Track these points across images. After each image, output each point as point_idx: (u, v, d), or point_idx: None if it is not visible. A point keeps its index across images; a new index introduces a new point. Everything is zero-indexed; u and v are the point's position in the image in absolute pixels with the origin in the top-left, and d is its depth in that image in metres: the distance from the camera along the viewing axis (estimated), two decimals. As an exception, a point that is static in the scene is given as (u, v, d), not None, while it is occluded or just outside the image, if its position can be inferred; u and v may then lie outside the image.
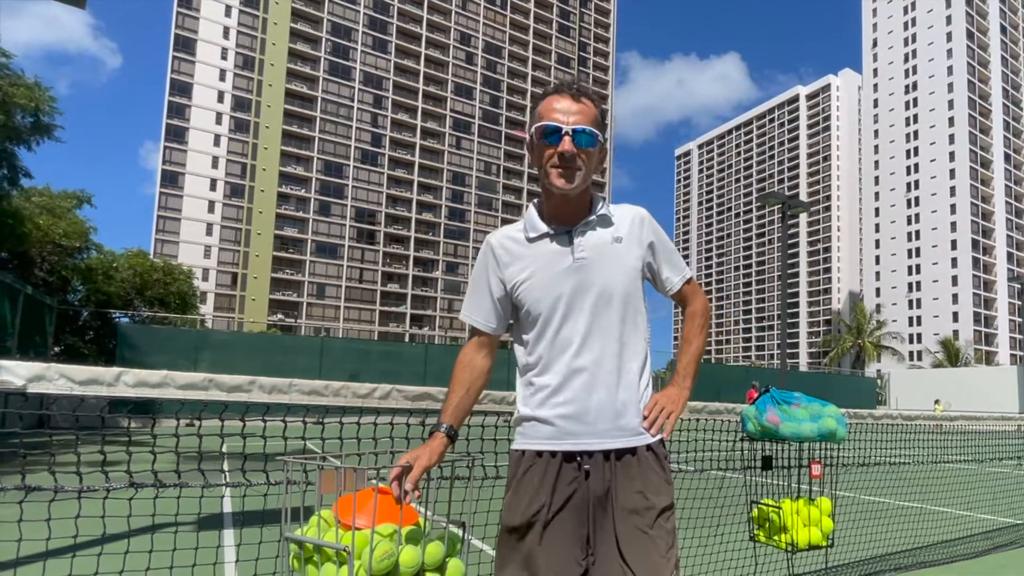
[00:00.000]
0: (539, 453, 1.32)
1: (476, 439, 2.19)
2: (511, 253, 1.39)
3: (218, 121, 66.07)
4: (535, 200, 1.44)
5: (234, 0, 67.10)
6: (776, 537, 2.42)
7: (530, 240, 1.37)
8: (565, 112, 1.31)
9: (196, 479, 1.75)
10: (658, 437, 1.34)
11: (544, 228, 1.36)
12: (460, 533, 1.40)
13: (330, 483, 1.30)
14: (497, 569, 1.33)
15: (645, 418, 1.33)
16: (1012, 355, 77.51)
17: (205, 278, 61.42)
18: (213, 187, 65.73)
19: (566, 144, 1.29)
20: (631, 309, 1.34)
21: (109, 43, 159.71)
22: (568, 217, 1.36)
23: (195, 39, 65.14)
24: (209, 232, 65.43)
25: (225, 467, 1.83)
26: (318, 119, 70.49)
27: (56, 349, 14.43)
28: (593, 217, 1.36)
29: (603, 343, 1.31)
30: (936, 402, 22.96)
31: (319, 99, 70.67)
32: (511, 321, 1.45)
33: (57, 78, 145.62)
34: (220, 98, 66.18)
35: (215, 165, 65.84)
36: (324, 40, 71.28)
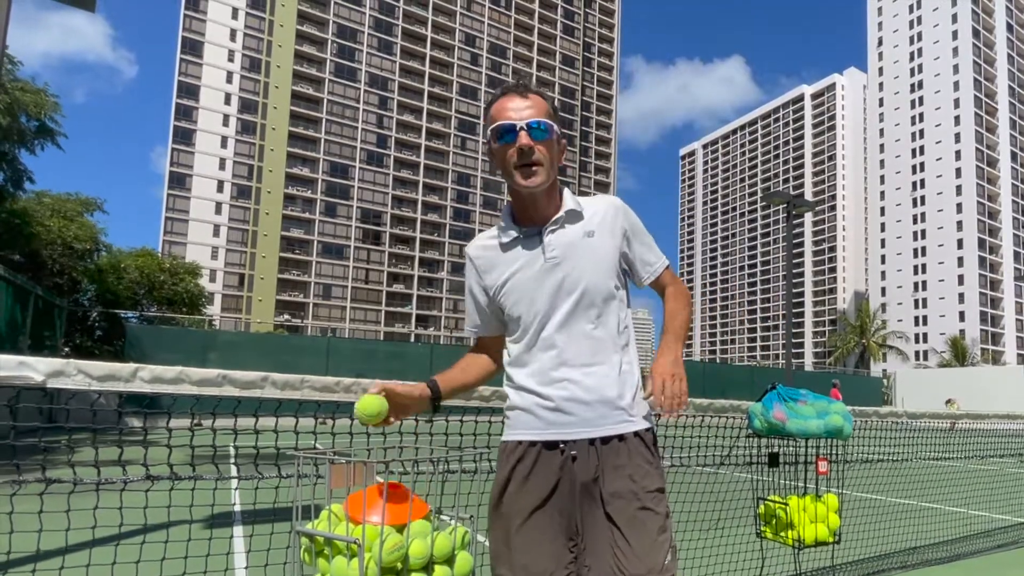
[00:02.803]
0: (520, 443, 1.34)
1: (483, 434, 2.21)
2: (488, 260, 1.41)
3: (225, 123, 66.44)
4: (507, 202, 1.44)
5: (241, 3, 67.47)
6: (783, 533, 2.43)
7: (503, 246, 1.39)
8: (516, 109, 1.32)
9: (210, 473, 1.78)
10: (645, 426, 1.34)
11: (515, 232, 1.37)
12: (468, 527, 1.43)
13: (340, 478, 1.33)
14: (492, 561, 1.35)
15: (649, 396, 1.30)
16: (1019, 355, 76.91)
17: (212, 279, 61.75)
18: (220, 189, 66.11)
19: (523, 139, 1.29)
20: (607, 300, 1.35)
21: (127, 53, 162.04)
22: (538, 217, 1.37)
23: (202, 42, 65.55)
24: (216, 233, 65.80)
25: (238, 462, 1.87)
26: (324, 121, 70.75)
27: (66, 349, 14.56)
28: (562, 214, 1.36)
29: (581, 335, 1.32)
30: (948, 401, 22.81)
31: (325, 101, 70.93)
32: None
33: (74, 86, 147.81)
34: (227, 100, 66.56)
35: (222, 167, 66.21)
36: (330, 42, 71.55)
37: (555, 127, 1.34)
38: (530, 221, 1.37)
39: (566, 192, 1.41)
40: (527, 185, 1.31)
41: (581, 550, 1.28)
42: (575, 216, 1.37)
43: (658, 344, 1.43)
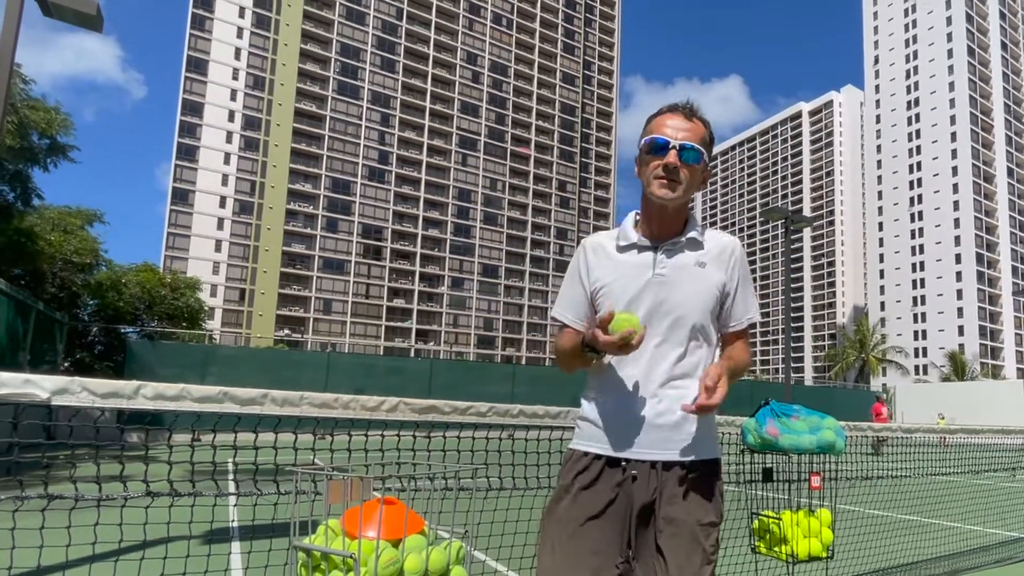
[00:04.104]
0: (586, 454, 1.36)
1: (480, 451, 2.24)
2: (599, 257, 1.42)
3: (228, 140, 67.06)
4: (635, 211, 1.47)
5: (245, 23, 68.54)
6: (776, 548, 2.44)
7: (620, 248, 1.41)
8: (675, 128, 1.36)
9: (210, 489, 1.81)
10: (711, 456, 1.35)
11: (634, 239, 1.40)
12: (463, 542, 1.45)
13: (337, 494, 1.35)
14: (538, 564, 1.35)
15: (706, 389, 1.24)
16: (1019, 368, 76.60)
17: (213, 294, 61.82)
18: (223, 204, 66.49)
19: (671, 156, 1.33)
20: (700, 333, 1.36)
21: (136, 75, 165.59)
22: (660, 232, 1.39)
23: (207, 60, 66.43)
24: (218, 248, 66.02)
25: (237, 478, 1.90)
26: (326, 137, 71.39)
27: (66, 364, 14.53)
28: (683, 239, 1.38)
29: (665, 359, 1.33)
30: (940, 417, 22.69)
31: (328, 118, 71.65)
32: None
33: (84, 106, 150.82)
34: (231, 117, 67.25)
35: (225, 183, 66.67)
36: (333, 60, 72.49)
37: (705, 155, 1.37)
38: (651, 234, 1.39)
39: (695, 220, 1.43)
40: (661, 196, 1.34)
41: (631, 570, 1.28)
42: (695, 244, 1.39)
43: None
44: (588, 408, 1.39)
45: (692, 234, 1.39)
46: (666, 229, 1.39)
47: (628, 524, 1.29)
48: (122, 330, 17.00)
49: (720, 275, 1.38)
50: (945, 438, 4.26)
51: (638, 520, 1.29)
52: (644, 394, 1.32)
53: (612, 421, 1.34)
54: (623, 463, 1.31)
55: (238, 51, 67.97)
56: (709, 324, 1.38)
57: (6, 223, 13.24)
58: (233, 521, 4.09)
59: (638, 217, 1.44)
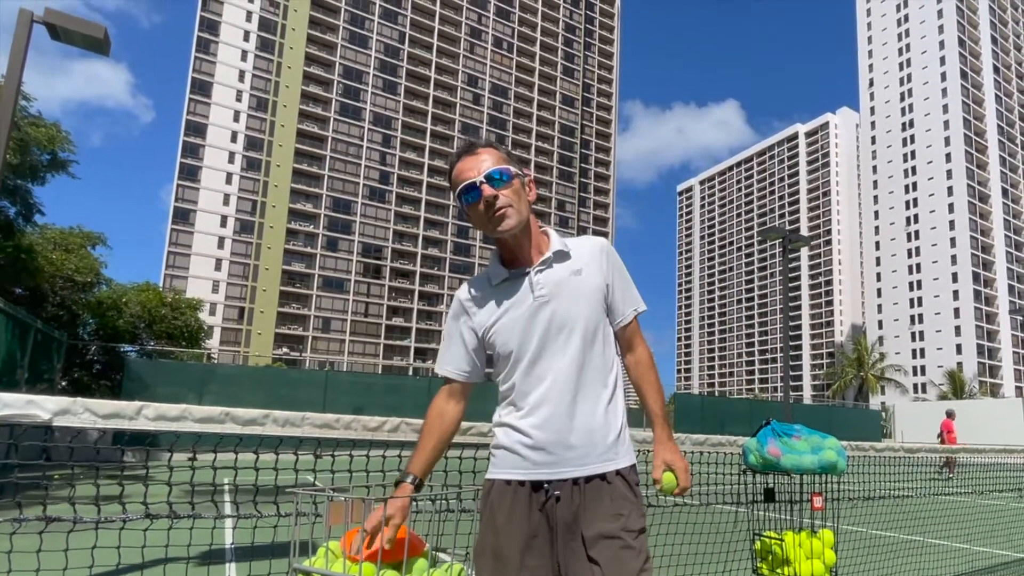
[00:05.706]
0: (507, 482, 1.35)
1: (483, 472, 2.23)
2: (478, 302, 1.44)
3: (231, 160, 67.68)
4: (495, 250, 1.49)
5: (250, 45, 69.71)
6: (779, 570, 2.42)
7: (495, 286, 1.42)
8: (471, 168, 1.37)
9: (209, 511, 1.80)
10: (628, 463, 1.37)
11: (505, 273, 1.41)
12: (464, 565, 1.44)
13: (338, 515, 1.35)
14: None
15: (668, 488, 1.43)
16: (1017, 387, 76.33)
17: (212, 312, 61.76)
18: (224, 223, 66.81)
19: (485, 191, 1.34)
20: (596, 338, 1.37)
21: (145, 100, 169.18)
22: (525, 259, 1.41)
23: (211, 82, 67.39)
24: (218, 267, 66.15)
25: (237, 499, 1.89)
26: (328, 158, 72.08)
27: (63, 383, 14.44)
28: (549, 255, 1.40)
29: (567, 375, 1.33)
30: (939, 435, 22.51)
31: (329, 138, 72.42)
32: (488, 369, 1.49)
33: (92, 130, 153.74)
34: (233, 138, 67.97)
35: (226, 202, 67.10)
36: (336, 82, 73.55)
37: (513, 170, 1.38)
38: (518, 263, 1.41)
39: (553, 233, 1.46)
40: (502, 230, 1.36)
41: None
42: (562, 256, 1.41)
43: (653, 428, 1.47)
44: (502, 435, 1.39)
45: (557, 248, 1.41)
46: (528, 253, 1.41)
47: (556, 545, 1.29)
48: (121, 349, 16.93)
49: (598, 275, 1.40)
50: (949, 458, 4.24)
51: (564, 539, 1.29)
52: (557, 412, 1.32)
53: (529, 445, 1.33)
54: (545, 486, 1.31)
55: (242, 73, 68.99)
56: (604, 325, 1.40)
57: (7, 240, 13.27)
58: (231, 543, 4.04)
59: (501, 254, 1.45)
